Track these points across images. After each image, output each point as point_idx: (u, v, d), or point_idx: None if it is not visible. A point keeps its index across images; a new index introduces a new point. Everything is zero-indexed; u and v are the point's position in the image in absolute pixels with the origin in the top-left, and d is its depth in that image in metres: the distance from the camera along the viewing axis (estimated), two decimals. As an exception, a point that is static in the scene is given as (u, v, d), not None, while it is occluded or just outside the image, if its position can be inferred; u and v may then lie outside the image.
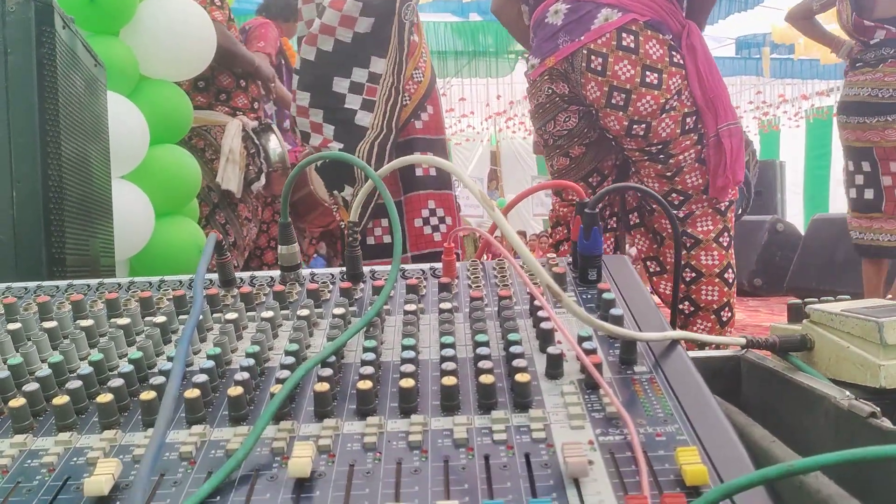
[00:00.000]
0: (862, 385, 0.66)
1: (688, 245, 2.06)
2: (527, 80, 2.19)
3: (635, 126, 1.96)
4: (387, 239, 2.48)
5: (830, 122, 10.48)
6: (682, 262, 2.07)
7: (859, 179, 3.60)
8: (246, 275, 0.80)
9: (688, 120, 1.97)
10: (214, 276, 0.80)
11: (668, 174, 2.03)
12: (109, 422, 0.55)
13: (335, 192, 2.52)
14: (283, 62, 3.82)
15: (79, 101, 1.56)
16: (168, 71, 2.50)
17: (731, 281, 2.07)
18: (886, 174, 3.43)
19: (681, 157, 2.00)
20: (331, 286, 0.77)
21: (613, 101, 1.95)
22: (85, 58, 1.64)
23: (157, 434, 0.50)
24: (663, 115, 1.94)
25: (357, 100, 2.43)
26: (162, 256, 2.33)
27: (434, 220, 2.48)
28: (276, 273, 0.80)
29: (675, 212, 2.05)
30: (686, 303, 2.08)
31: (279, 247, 0.78)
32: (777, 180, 7.40)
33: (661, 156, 2.01)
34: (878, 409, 0.57)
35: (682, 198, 2.05)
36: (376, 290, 0.73)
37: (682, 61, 1.95)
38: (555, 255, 0.80)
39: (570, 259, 0.80)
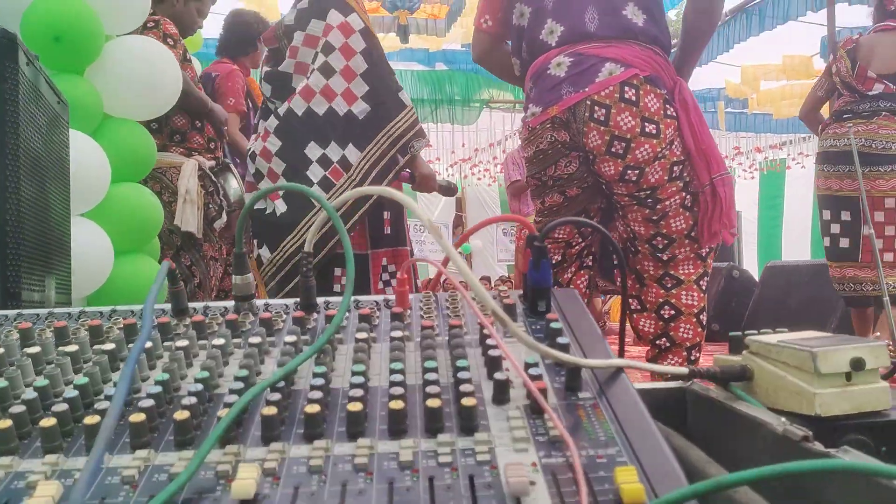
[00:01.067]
0: (799, 413, 0.69)
1: (668, 285, 2.17)
2: (524, 127, 2.27)
3: (629, 171, 2.07)
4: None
5: (783, 173, 10.83)
6: (663, 300, 2.19)
7: (835, 228, 3.69)
8: (199, 305, 0.81)
9: (675, 168, 2.08)
10: (168, 307, 0.80)
11: (655, 218, 2.13)
12: (52, 446, 0.55)
13: (254, 242, 2.49)
14: (250, 104, 3.84)
15: (40, 137, 1.55)
16: (132, 110, 2.51)
17: (703, 323, 2.16)
18: (867, 223, 3.51)
19: (667, 202, 2.10)
20: (284, 316, 0.78)
21: (613, 150, 2.06)
22: (48, 95, 1.64)
23: (94, 455, 0.50)
24: (655, 163, 2.05)
25: (319, 173, 2.41)
26: (120, 295, 2.31)
27: (385, 276, 2.51)
28: (230, 304, 0.81)
29: (659, 255, 2.16)
30: (664, 339, 2.16)
31: (233, 276, 0.78)
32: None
33: (650, 200, 2.10)
34: (811, 433, 0.59)
35: (666, 241, 2.14)
36: (329, 320, 0.74)
37: (674, 114, 2.08)
38: (506, 289, 0.82)
39: (522, 292, 0.82)
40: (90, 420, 0.56)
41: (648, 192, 2.09)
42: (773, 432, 0.63)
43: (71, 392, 0.59)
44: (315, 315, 0.78)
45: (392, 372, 0.62)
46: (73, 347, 0.68)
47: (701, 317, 2.17)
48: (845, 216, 3.65)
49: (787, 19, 6.12)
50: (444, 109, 9.22)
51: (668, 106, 2.06)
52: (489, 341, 0.66)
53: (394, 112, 2.43)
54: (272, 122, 2.49)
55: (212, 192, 3.07)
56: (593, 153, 2.09)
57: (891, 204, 3.46)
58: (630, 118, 2.02)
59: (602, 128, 2.04)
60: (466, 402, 0.57)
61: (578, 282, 2.33)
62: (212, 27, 4.69)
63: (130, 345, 0.72)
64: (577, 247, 2.29)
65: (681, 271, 2.15)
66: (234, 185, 3.21)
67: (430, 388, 0.59)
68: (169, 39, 2.87)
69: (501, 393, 0.61)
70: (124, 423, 0.57)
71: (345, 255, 0.71)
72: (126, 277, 2.34)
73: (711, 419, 0.75)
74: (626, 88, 2.02)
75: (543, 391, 0.58)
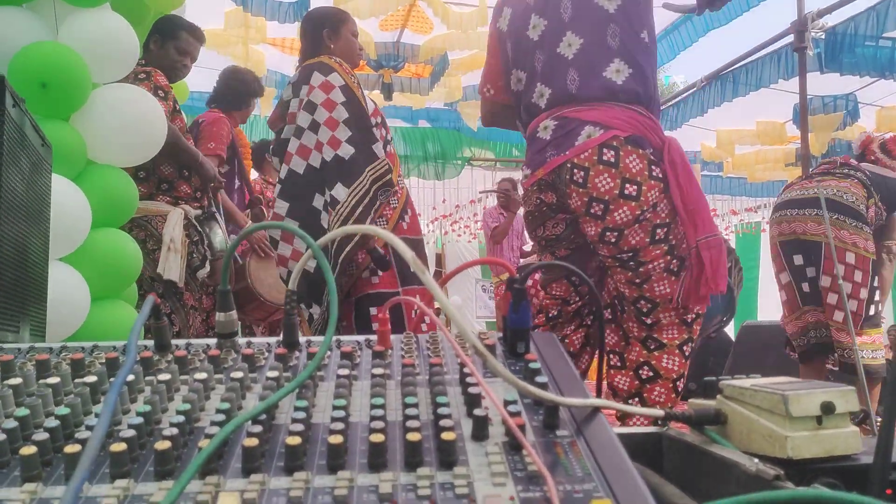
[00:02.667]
0: (771, 456, 0.70)
1: (651, 347, 2.13)
2: (521, 188, 2.31)
3: (608, 233, 2.06)
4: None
5: (759, 236, 11.00)
6: (643, 361, 2.17)
7: (811, 272, 3.66)
8: (182, 341, 0.81)
9: (658, 231, 2.06)
10: (150, 342, 0.80)
11: (638, 281, 2.11)
12: (31, 475, 0.55)
13: (302, 306, 2.57)
14: (235, 158, 3.88)
15: (23, 179, 1.56)
16: (116, 157, 2.52)
17: (679, 390, 2.14)
18: (828, 274, 3.52)
19: (650, 265, 2.08)
20: (266, 353, 0.79)
21: (592, 211, 2.06)
22: (33, 137, 1.65)
23: (73, 483, 0.50)
24: (636, 225, 2.04)
25: (327, 219, 2.52)
26: (95, 340, 2.28)
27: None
28: (213, 341, 0.81)
29: (643, 318, 2.14)
30: (636, 398, 2.14)
31: (217, 313, 0.79)
32: (711, 289, 7.67)
33: (632, 263, 2.09)
34: (783, 472, 0.60)
35: (650, 305, 2.12)
36: (311, 358, 0.74)
37: (661, 175, 2.06)
38: (486, 331, 0.84)
39: (502, 334, 0.83)
40: (70, 449, 0.56)
41: (630, 255, 2.08)
42: (745, 472, 0.64)
43: (52, 422, 0.59)
44: (297, 353, 0.79)
45: (373, 407, 0.63)
46: (54, 380, 0.68)
47: (678, 383, 2.14)
48: (808, 260, 3.64)
49: (760, 86, 6.32)
50: (427, 166, 9.34)
51: (653, 167, 2.05)
52: (469, 379, 0.67)
53: (369, 160, 2.54)
54: (276, 188, 2.65)
55: (196, 241, 3.07)
56: (576, 214, 2.12)
57: (851, 260, 3.47)
58: (609, 179, 2.02)
59: (581, 189, 2.05)
60: (446, 436, 0.58)
61: (574, 338, 2.33)
62: (200, 81, 4.77)
63: (112, 378, 0.72)
64: (574, 304, 2.30)
65: (664, 336, 2.12)
66: (219, 234, 3.22)
67: (411, 423, 0.60)
68: (160, 91, 2.91)
69: (480, 429, 0.61)
70: (104, 453, 0.57)
71: (329, 293, 0.72)
72: (102, 323, 2.31)
73: (687, 462, 0.76)
74: (605, 150, 2.02)
75: (522, 427, 0.60)
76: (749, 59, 6.42)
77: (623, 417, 2.14)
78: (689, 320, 2.13)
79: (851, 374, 3.32)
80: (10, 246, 1.47)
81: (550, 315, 2.32)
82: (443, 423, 0.60)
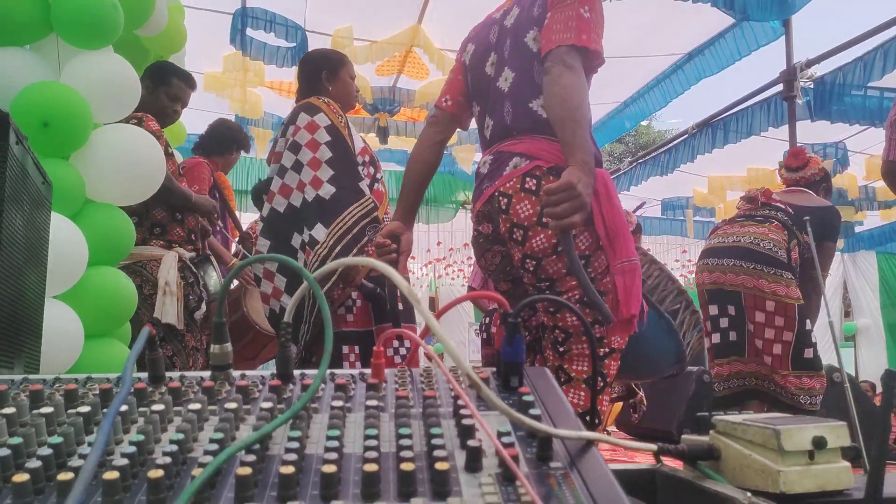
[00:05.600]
0: (764, 491, 0.70)
1: (561, 380, 2.14)
2: None
3: (527, 261, 2.11)
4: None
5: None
6: None
7: (724, 322, 3.68)
8: (176, 373, 0.81)
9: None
10: (144, 375, 0.80)
11: (552, 310, 2.14)
12: (23, 502, 0.54)
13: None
14: (217, 197, 3.91)
15: (23, 216, 1.57)
16: (114, 196, 2.54)
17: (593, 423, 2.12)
18: (751, 321, 3.54)
19: (566, 296, 2.11)
20: (260, 385, 0.79)
21: (514, 237, 2.12)
22: (34, 175, 1.67)
23: (72, 508, 0.50)
24: (553, 255, 2.08)
25: (302, 259, 2.55)
26: (86, 379, 2.26)
27: (390, 352, 2.57)
28: (207, 373, 0.81)
29: (558, 346, 2.15)
30: None
31: (211, 346, 0.79)
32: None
33: (549, 292, 2.12)
34: (775, 505, 0.61)
35: (563, 335, 2.14)
36: (305, 389, 0.74)
37: None
38: (479, 366, 0.84)
39: (495, 369, 0.84)
40: (63, 477, 0.56)
41: (548, 284, 2.11)
42: (739, 506, 0.64)
43: (45, 451, 0.59)
44: (291, 385, 0.79)
45: (367, 437, 0.63)
46: (48, 409, 0.68)
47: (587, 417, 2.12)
48: (731, 310, 3.63)
49: (751, 134, 6.41)
50: (421, 209, 9.39)
51: None
52: (463, 410, 0.67)
53: (355, 197, 2.55)
54: (260, 226, 2.69)
55: (192, 283, 3.07)
56: (504, 240, 2.18)
57: (771, 307, 3.46)
58: (529, 206, 2.07)
59: (504, 216, 2.12)
60: (440, 466, 0.58)
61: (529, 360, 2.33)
62: (199, 124, 4.82)
63: (105, 409, 0.72)
64: (526, 338, 2.31)
65: (573, 367, 2.12)
66: (213, 275, 3.22)
67: (404, 453, 0.60)
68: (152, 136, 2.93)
69: (474, 460, 0.62)
70: (97, 481, 0.57)
71: (325, 327, 0.73)
72: (95, 361, 2.30)
73: (681, 497, 0.76)
74: (528, 179, 2.08)
75: (516, 458, 0.60)
76: (739, 107, 6.53)
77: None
78: (601, 354, 2.12)
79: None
80: (8, 282, 1.47)
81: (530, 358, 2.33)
82: (436, 453, 0.60)
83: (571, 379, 2.13)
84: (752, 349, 3.58)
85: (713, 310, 3.71)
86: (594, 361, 0.86)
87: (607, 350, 2.10)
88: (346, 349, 2.57)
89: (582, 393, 2.12)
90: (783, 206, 3.70)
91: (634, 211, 3.02)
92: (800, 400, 3.45)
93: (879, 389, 7.10)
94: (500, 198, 2.13)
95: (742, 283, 3.51)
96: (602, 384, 2.12)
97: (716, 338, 3.72)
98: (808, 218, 3.58)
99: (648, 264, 2.30)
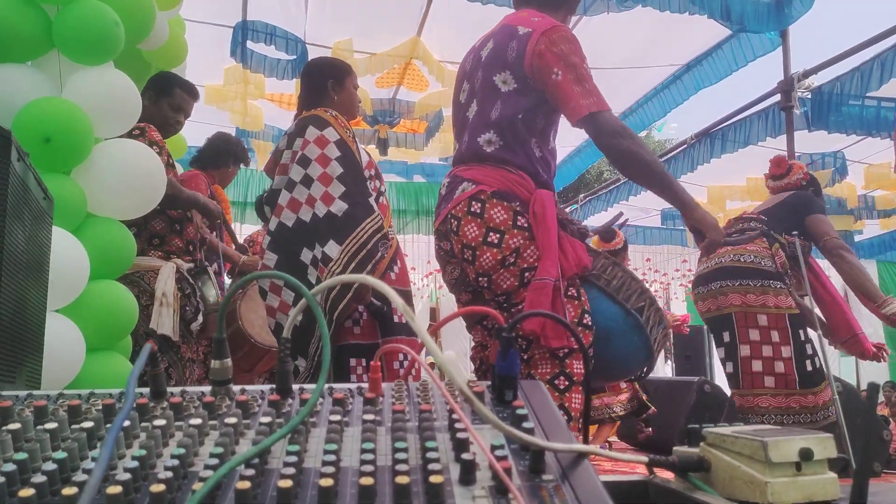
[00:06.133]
0: (753, 502, 0.71)
1: None
2: None
3: (480, 278, 2.27)
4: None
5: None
6: None
7: (721, 353, 3.61)
8: (177, 389, 0.83)
9: (526, 274, 2.22)
10: (146, 390, 0.82)
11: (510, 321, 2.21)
12: (28, 516, 0.56)
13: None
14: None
15: (24, 232, 1.59)
16: (116, 210, 2.56)
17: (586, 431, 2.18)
18: (745, 343, 3.44)
19: (520, 307, 2.22)
20: (260, 400, 0.80)
21: (465, 256, 2.28)
22: (36, 191, 1.69)
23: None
24: (502, 270, 2.22)
25: (315, 275, 2.54)
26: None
27: (396, 364, 2.59)
28: (208, 388, 0.83)
29: (523, 354, 2.23)
30: None
31: (212, 361, 0.81)
32: (705, 345, 7.72)
33: (506, 305, 2.26)
34: (762, 516, 0.62)
35: (525, 342, 2.23)
36: (304, 404, 0.76)
37: (526, 224, 2.24)
38: (475, 380, 0.86)
39: (490, 383, 0.85)
40: (68, 491, 0.57)
41: (504, 297, 2.25)
42: (727, 517, 0.65)
43: (49, 466, 0.61)
44: (290, 400, 0.81)
45: (363, 451, 0.65)
46: (52, 425, 0.70)
47: None
48: (726, 337, 3.54)
49: (749, 144, 6.44)
50: (421, 220, 9.42)
51: (519, 217, 2.23)
52: (458, 424, 0.69)
53: (366, 213, 2.56)
54: (266, 239, 2.67)
55: (189, 294, 3.08)
56: (459, 259, 2.33)
57: (763, 322, 3.38)
58: (475, 228, 2.24)
59: (455, 237, 2.29)
60: (434, 479, 0.59)
61: None
62: (199, 136, 4.85)
63: (109, 424, 0.74)
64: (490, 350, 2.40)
65: (538, 371, 2.20)
66: (211, 288, 3.24)
67: (400, 467, 0.61)
68: (154, 146, 2.95)
69: (468, 473, 0.63)
70: (101, 495, 0.58)
71: (323, 342, 0.74)
72: (97, 374, 2.31)
73: (671, 509, 0.77)
74: (473, 202, 2.25)
75: (508, 471, 0.61)
76: (738, 117, 6.56)
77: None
78: (560, 354, 2.19)
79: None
80: (10, 298, 1.49)
81: (475, 367, 2.47)
82: (431, 466, 0.61)
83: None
84: (746, 378, 3.45)
85: (715, 339, 3.65)
86: (586, 367, 0.88)
87: (566, 350, 2.18)
88: (353, 362, 2.58)
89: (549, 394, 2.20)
90: (755, 216, 3.68)
91: (613, 223, 3.02)
92: (818, 417, 3.31)
93: (881, 399, 7.09)
94: (452, 220, 2.30)
95: (731, 303, 3.45)
96: (567, 382, 2.18)
97: (729, 367, 3.60)
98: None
99: (611, 266, 2.38)
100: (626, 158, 2.22)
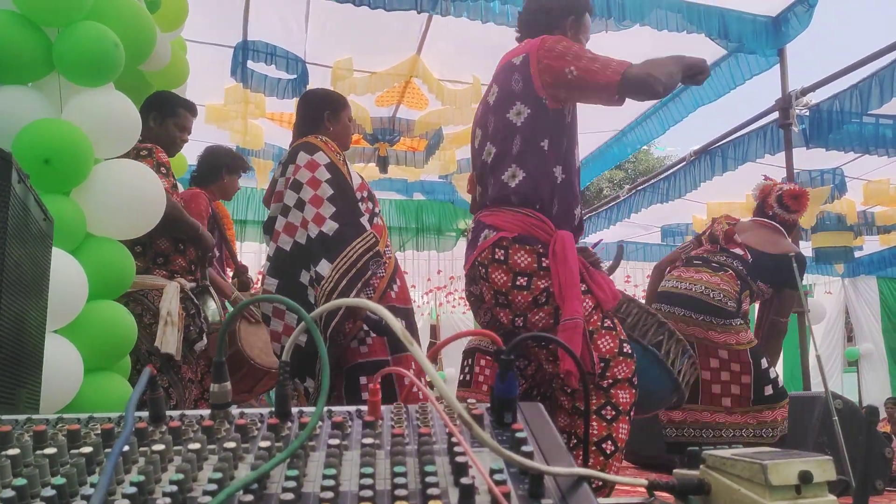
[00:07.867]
0: (754, 525, 0.71)
1: (575, 416, 2.30)
2: None
3: (516, 319, 2.30)
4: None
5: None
6: (569, 430, 2.32)
7: None
8: (176, 413, 0.83)
9: (561, 313, 2.24)
10: (144, 414, 0.82)
11: (552, 358, 2.30)
12: (26, 543, 0.56)
13: (296, 380, 2.59)
14: (215, 229, 3.93)
15: (25, 253, 1.59)
16: (115, 230, 2.56)
17: (608, 452, 2.21)
18: (706, 369, 3.49)
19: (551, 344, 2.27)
20: (259, 423, 0.80)
21: (499, 301, 2.32)
22: (36, 212, 1.69)
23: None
24: (536, 310, 2.27)
25: (314, 295, 2.57)
26: (88, 412, 2.26)
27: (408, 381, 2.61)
28: (207, 412, 0.83)
29: (565, 388, 2.30)
30: None
31: (211, 385, 0.81)
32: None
33: (544, 342, 2.30)
34: (762, 540, 0.62)
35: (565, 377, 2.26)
36: (303, 428, 0.76)
37: (549, 265, 2.28)
38: (475, 401, 0.85)
39: (489, 405, 0.85)
40: (66, 518, 0.57)
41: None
42: (727, 541, 0.65)
43: (49, 491, 0.61)
44: (289, 423, 0.80)
45: (362, 476, 0.65)
46: (51, 450, 0.70)
47: (603, 445, 2.23)
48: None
49: (747, 161, 6.45)
50: (421, 238, 9.43)
51: (543, 259, 2.27)
52: (457, 448, 0.68)
53: (356, 232, 2.58)
54: (265, 265, 2.73)
55: (193, 314, 3.08)
56: (490, 305, 2.36)
57: (724, 355, 3.46)
58: (502, 274, 2.28)
59: (486, 284, 2.33)
60: (433, 504, 0.59)
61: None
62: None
63: (108, 449, 0.74)
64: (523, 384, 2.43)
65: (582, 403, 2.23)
66: (212, 306, 3.24)
67: (399, 492, 0.61)
68: (162, 168, 2.96)
69: (467, 498, 0.63)
70: (99, 522, 0.58)
71: (321, 363, 0.75)
72: (95, 395, 2.30)
73: (672, 532, 0.77)
74: (497, 250, 2.29)
75: (507, 496, 0.61)
76: (736, 134, 6.58)
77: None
78: (605, 385, 2.24)
79: None
80: (10, 319, 1.49)
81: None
82: (430, 491, 0.61)
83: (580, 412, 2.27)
84: (706, 397, 3.52)
85: None
86: (586, 397, 0.88)
87: (611, 381, 2.23)
88: (363, 380, 2.59)
89: (595, 423, 2.25)
90: (741, 253, 3.69)
91: (620, 258, 3.09)
92: (762, 434, 3.40)
93: (883, 415, 7.06)
94: (479, 266, 2.35)
95: (693, 334, 3.49)
96: (614, 413, 2.23)
97: None
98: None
99: (627, 303, 2.44)
100: (667, 87, 2.33)
